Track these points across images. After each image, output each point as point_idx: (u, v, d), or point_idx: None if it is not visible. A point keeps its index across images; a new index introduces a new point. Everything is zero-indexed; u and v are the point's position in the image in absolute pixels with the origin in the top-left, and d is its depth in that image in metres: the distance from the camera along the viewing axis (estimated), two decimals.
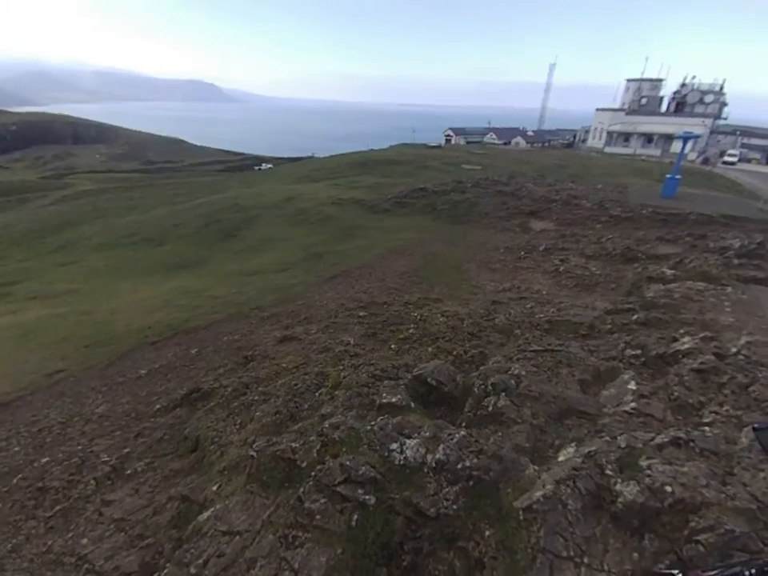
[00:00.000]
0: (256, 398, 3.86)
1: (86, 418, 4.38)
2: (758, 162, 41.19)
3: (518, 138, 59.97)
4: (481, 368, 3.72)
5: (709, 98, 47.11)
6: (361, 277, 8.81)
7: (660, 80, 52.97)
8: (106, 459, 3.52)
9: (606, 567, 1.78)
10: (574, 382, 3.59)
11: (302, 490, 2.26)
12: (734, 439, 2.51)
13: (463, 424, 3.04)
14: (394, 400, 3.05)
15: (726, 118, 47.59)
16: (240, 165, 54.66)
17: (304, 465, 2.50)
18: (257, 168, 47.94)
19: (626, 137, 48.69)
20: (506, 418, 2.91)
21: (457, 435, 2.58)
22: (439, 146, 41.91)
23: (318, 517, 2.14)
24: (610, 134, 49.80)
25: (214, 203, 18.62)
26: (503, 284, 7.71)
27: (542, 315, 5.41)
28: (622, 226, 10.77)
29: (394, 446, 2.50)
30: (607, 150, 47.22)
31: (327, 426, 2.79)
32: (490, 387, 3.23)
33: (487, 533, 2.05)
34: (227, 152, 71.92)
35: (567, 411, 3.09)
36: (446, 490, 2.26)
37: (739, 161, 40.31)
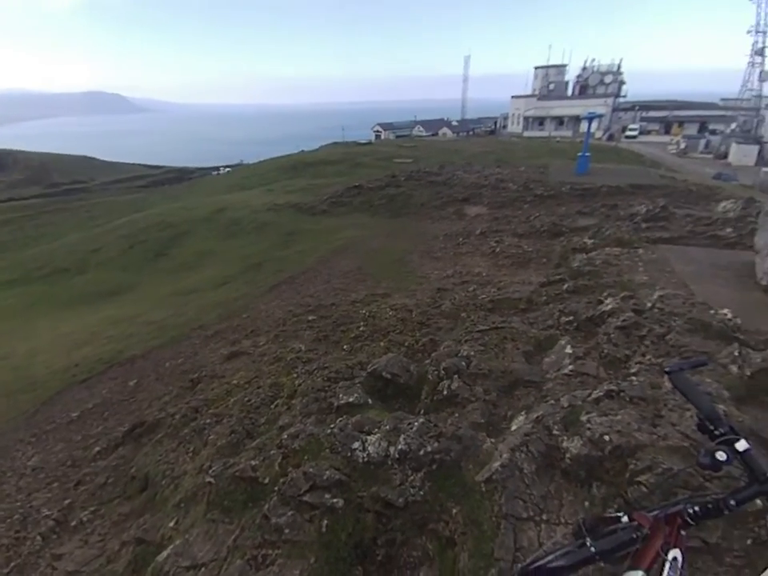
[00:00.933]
0: (208, 421, 3.67)
1: (19, 472, 3.94)
2: (657, 133, 45.92)
3: (445, 129, 61.97)
4: (432, 355, 3.82)
5: (608, 79, 51.65)
6: (305, 281, 8.67)
7: (564, 65, 57.19)
8: (47, 513, 3.20)
9: (562, 520, 1.92)
10: (519, 354, 3.81)
11: (266, 506, 2.19)
12: (659, 384, 2.80)
13: (421, 411, 3.11)
14: (351, 399, 3.05)
15: (625, 96, 52.50)
16: (162, 179, 51.20)
17: (266, 481, 2.43)
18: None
19: (541, 121, 52.12)
20: (460, 398, 3.03)
21: (416, 423, 2.64)
22: (369, 143, 42.21)
23: (286, 531, 2.09)
24: (526, 119, 53.03)
25: (138, 222, 17.34)
26: (446, 271, 7.96)
27: (484, 296, 5.67)
28: (546, 204, 11.54)
29: (356, 444, 2.50)
30: (526, 134, 50.25)
31: (286, 437, 2.73)
32: (442, 372, 3.34)
33: (454, 510, 2.12)
34: (147, 166, 67.10)
35: (515, 383, 3.27)
36: (412, 477, 2.30)
37: (640, 134, 44.72)
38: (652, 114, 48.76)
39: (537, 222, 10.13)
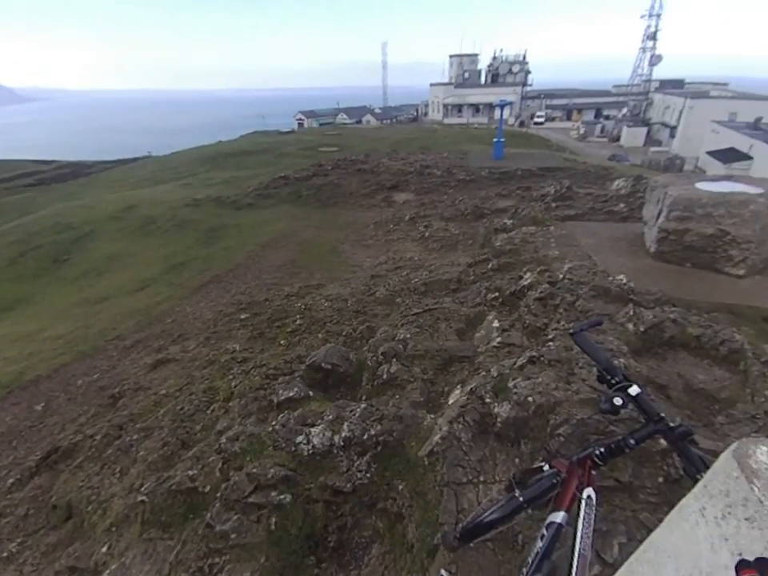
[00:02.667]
0: (135, 437, 3.40)
1: None
2: (560, 119, 50.02)
3: (368, 116, 61.90)
4: (370, 341, 3.88)
5: (516, 68, 55.00)
6: (235, 278, 8.27)
7: (476, 55, 59.79)
8: None
9: (497, 478, 2.09)
10: (452, 332, 4.01)
11: (209, 515, 2.11)
12: (571, 347, 3.12)
13: (363, 397, 3.17)
14: (291, 394, 3.01)
15: (531, 85, 56.34)
16: (54, 175, 44.94)
17: (207, 489, 2.32)
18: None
19: (459, 108, 54.16)
20: (400, 380, 3.12)
21: (358, 410, 2.68)
22: (293, 131, 40.84)
23: (233, 536, 2.03)
24: (445, 106, 54.75)
25: (28, 226, 15.19)
26: (379, 258, 8.06)
27: (417, 280, 5.85)
28: (469, 188, 12.12)
29: (300, 438, 2.48)
30: (446, 121, 51.95)
31: (225, 441, 2.63)
32: (381, 357, 3.41)
33: (400, 487, 2.21)
34: (35, 162, 58.51)
35: (450, 359, 3.45)
36: (358, 462, 2.35)
37: (546, 120, 48.41)
38: (555, 101, 53.02)
39: (461, 205, 10.60)
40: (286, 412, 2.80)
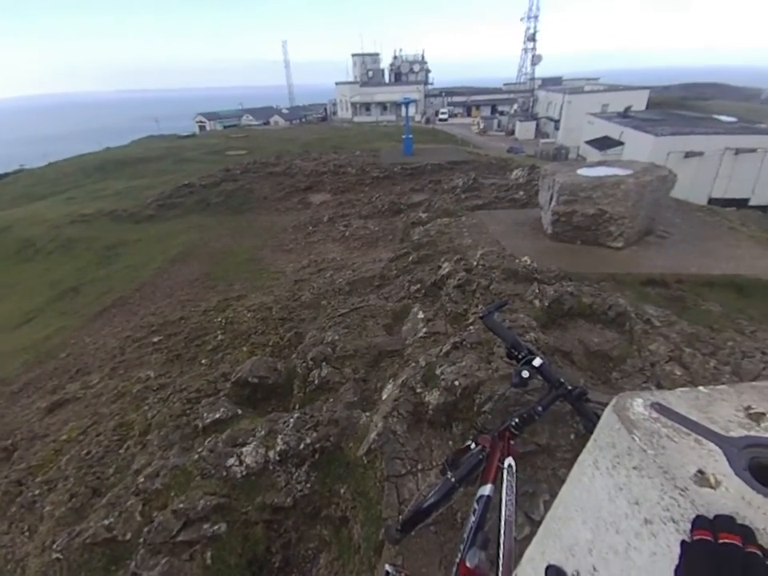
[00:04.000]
0: (37, 492, 2.94)
1: None
2: (461, 115, 53.08)
3: (276, 117, 59.98)
4: (299, 348, 3.78)
5: (416, 67, 57.17)
6: (143, 299, 7.53)
7: (377, 54, 61.05)
8: None
9: (433, 464, 2.16)
10: (380, 328, 4.07)
11: (133, 563, 1.90)
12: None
13: (296, 406, 3.08)
14: (218, 416, 2.82)
15: (432, 83, 59.02)
16: None
17: (128, 536, 2.09)
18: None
19: (367, 106, 54.89)
20: (332, 383, 3.09)
21: (291, 420, 2.60)
22: (194, 135, 38.13)
23: None
24: (353, 105, 55.13)
25: None
26: (301, 262, 7.89)
27: (341, 280, 5.83)
28: (383, 185, 12.35)
29: (231, 461, 2.34)
30: (356, 119, 52.35)
31: (143, 479, 2.39)
32: (311, 362, 3.34)
33: (342, 490, 2.19)
34: None
35: (380, 355, 3.50)
36: (296, 474, 2.28)
37: (449, 117, 51.08)
38: (455, 99, 56.20)
39: (378, 202, 10.78)
40: (213, 436, 2.61)
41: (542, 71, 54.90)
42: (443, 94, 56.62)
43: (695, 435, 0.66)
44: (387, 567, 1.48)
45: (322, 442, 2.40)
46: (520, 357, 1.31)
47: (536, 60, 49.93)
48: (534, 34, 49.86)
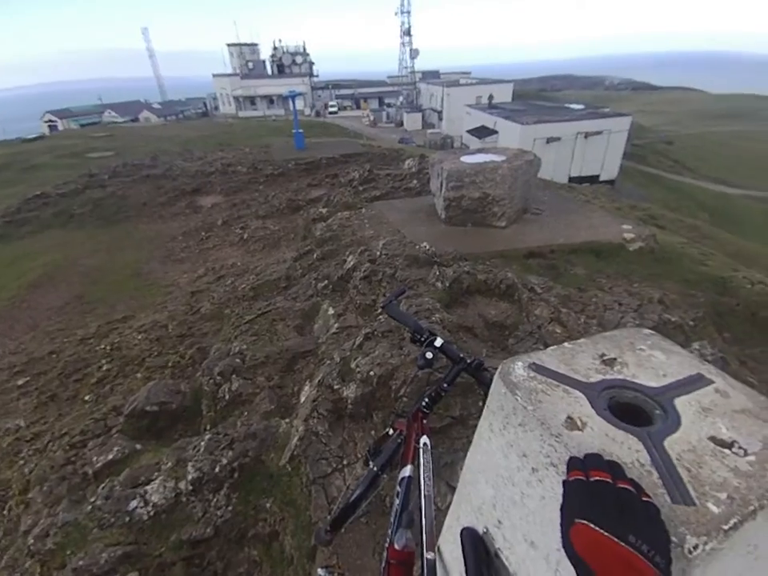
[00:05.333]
0: None
1: None
2: (351, 108, 53.38)
3: (146, 113, 53.78)
4: (203, 364, 3.50)
5: (299, 59, 55.79)
6: None
7: (255, 44, 58.10)
8: None
9: (358, 456, 2.18)
10: (291, 330, 3.95)
11: None
12: None
13: (207, 427, 2.86)
14: (111, 457, 2.48)
15: (317, 75, 58.17)
16: None
17: None
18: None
19: (252, 100, 52.14)
20: (245, 395, 2.92)
21: (203, 443, 2.41)
22: (42, 137, 32.35)
23: None
24: (236, 98, 51.92)
25: None
26: (197, 271, 7.27)
27: (244, 286, 5.51)
28: (278, 182, 11.92)
29: (134, 503, 2.09)
30: (241, 114, 49.41)
31: (33, 540, 2.01)
32: (219, 377, 3.12)
33: (268, 504, 2.10)
34: None
35: (294, 358, 3.40)
36: (215, 500, 2.12)
37: (339, 109, 51.02)
38: (342, 91, 56.30)
39: (275, 200, 10.37)
40: (108, 480, 2.30)
41: (421, 65, 57.70)
42: (330, 86, 56.29)
43: (563, 386, 0.75)
44: (320, 571, 1.46)
45: (240, 460, 2.27)
46: (423, 339, 1.38)
47: (414, 54, 52.21)
48: (408, 29, 51.95)
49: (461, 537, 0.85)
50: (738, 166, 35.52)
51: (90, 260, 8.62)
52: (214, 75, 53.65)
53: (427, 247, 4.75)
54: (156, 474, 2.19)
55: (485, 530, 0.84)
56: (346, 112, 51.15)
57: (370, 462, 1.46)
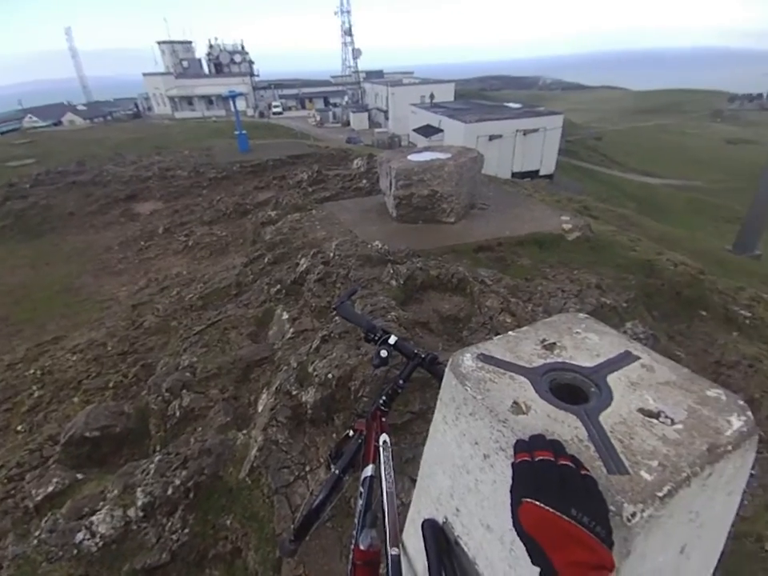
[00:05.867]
0: None
1: None
2: (296, 108, 52.39)
3: (70, 116, 49.55)
4: (149, 381, 3.29)
5: (237, 58, 53.89)
6: None
7: (189, 42, 55.41)
8: None
9: (321, 461, 2.15)
10: (245, 338, 3.82)
11: None
12: None
13: (157, 448, 2.69)
14: (51, 489, 2.27)
15: (258, 75, 56.47)
16: None
17: None
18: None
19: (189, 100, 49.70)
20: (197, 410, 2.78)
21: (152, 465, 2.26)
22: None
23: None
24: (172, 99, 49.25)
25: None
26: (137, 283, 6.82)
27: (192, 295, 5.24)
28: (223, 186, 11.46)
29: (80, 535, 1.92)
30: (178, 115, 46.90)
31: None
32: (167, 394, 2.94)
33: (229, 521, 2.02)
34: None
35: (249, 367, 3.29)
36: (169, 524, 2.00)
37: (284, 110, 49.92)
38: (286, 91, 55.13)
39: (221, 205, 9.96)
40: (50, 513, 2.10)
41: (365, 64, 57.79)
42: (273, 86, 54.89)
43: (509, 373, 0.79)
44: None
45: (195, 478, 2.16)
46: (376, 338, 1.38)
47: (357, 54, 52.19)
48: (350, 29, 51.85)
49: (422, 529, 0.86)
50: (661, 157, 38.97)
51: (13, 277, 7.82)
52: (145, 74, 50.48)
53: (380, 246, 4.77)
54: (101, 503, 2.03)
55: (444, 520, 0.86)
56: (291, 112, 50.14)
57: (332, 466, 1.45)
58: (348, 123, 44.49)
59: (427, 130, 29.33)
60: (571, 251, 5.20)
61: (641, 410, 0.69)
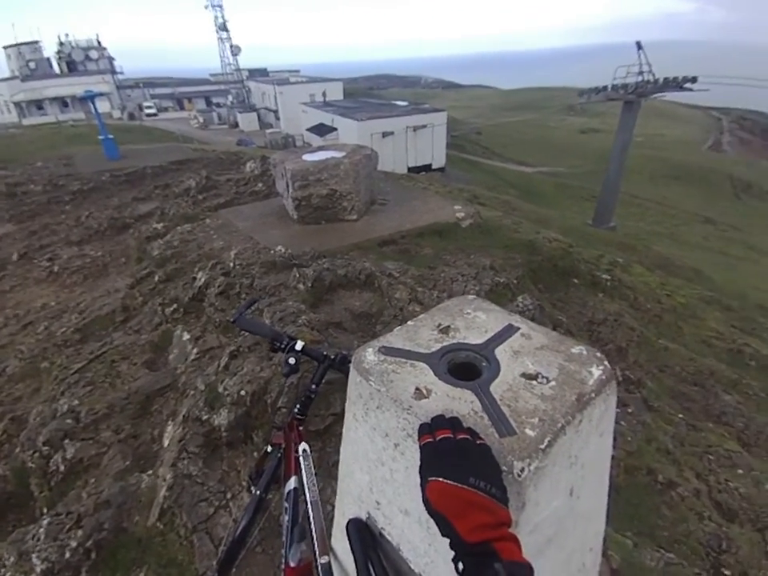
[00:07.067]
0: None
1: None
2: (173, 109, 47.95)
3: None
4: (21, 437, 2.77)
5: (94, 54, 47.53)
6: None
7: (36, 42, 47.43)
8: None
9: (243, 484, 2.03)
10: (140, 367, 3.42)
11: None
12: None
13: (45, 510, 2.28)
14: None
15: (122, 72, 50.38)
16: None
17: None
18: None
19: (39, 104, 42.55)
20: (87, 460, 2.42)
21: (42, 530, 1.92)
22: None
23: None
24: (18, 105, 41.67)
25: None
26: None
27: (65, 329, 4.52)
28: (92, 199, 10.04)
29: None
30: (25, 122, 39.79)
31: None
32: (46, 447, 2.51)
33: (142, 575, 1.80)
34: None
35: (148, 399, 2.95)
36: None
37: (159, 111, 45.37)
38: (159, 90, 50.14)
39: (92, 221, 8.70)
40: None
41: (247, 62, 55.04)
42: (141, 85, 49.45)
43: (410, 361, 0.82)
44: None
45: (94, 536, 1.88)
46: (283, 346, 1.33)
47: (236, 51, 49.39)
48: (224, 24, 48.70)
49: (346, 530, 0.86)
50: (531, 148, 44.02)
51: None
52: None
53: (283, 250, 4.63)
54: (3, 570, 1.67)
55: (367, 516, 0.87)
56: (167, 113, 45.77)
57: (252, 488, 1.37)
58: (236, 125, 42.10)
59: (321, 129, 29.16)
60: (466, 237, 5.62)
61: (523, 375, 0.77)
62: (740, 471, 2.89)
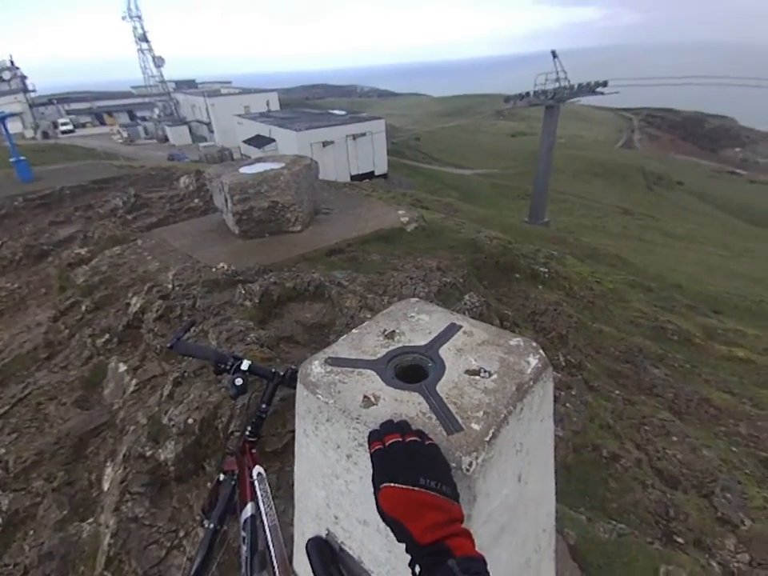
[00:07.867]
0: None
1: None
2: (92, 125, 44.59)
3: None
4: None
5: (6, 75, 43.24)
6: None
7: None
8: None
9: (197, 518, 1.90)
10: (70, 408, 3.11)
11: None
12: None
13: None
14: None
15: (35, 90, 46.19)
16: None
17: None
18: None
19: None
20: (23, 512, 2.15)
21: None
22: None
23: None
24: None
25: None
26: None
27: None
28: (4, 226, 9.04)
29: None
30: None
31: None
32: None
33: None
34: None
35: (82, 441, 2.70)
36: None
37: (76, 127, 42.00)
38: (75, 106, 46.50)
39: (5, 251, 7.83)
40: None
41: (173, 73, 52.52)
42: (55, 101, 45.56)
43: (357, 370, 0.82)
44: None
45: None
46: (228, 367, 1.27)
47: (159, 62, 46.95)
48: (144, 35, 46.19)
49: (306, 550, 0.83)
50: (467, 152, 45.98)
51: None
52: None
53: (226, 267, 4.45)
54: None
55: (327, 532, 0.85)
56: (86, 129, 42.51)
57: (205, 521, 1.29)
58: (165, 139, 39.97)
59: (259, 141, 28.50)
60: (412, 241, 5.74)
61: (467, 371, 0.79)
62: (674, 438, 3.16)
